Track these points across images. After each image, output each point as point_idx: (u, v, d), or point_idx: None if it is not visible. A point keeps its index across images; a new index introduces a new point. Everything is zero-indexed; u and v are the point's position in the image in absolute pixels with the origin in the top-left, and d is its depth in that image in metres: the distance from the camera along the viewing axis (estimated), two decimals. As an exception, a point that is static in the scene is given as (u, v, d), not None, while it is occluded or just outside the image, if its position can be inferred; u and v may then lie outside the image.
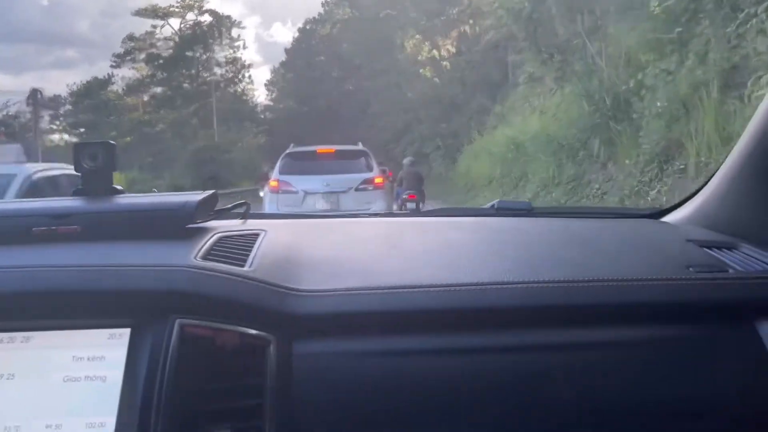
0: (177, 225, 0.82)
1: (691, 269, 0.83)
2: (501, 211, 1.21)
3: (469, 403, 0.71)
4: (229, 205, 1.01)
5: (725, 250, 0.91)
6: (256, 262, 0.78)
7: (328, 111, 34.22)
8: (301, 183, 7.26)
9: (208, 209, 0.89)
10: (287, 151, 7.86)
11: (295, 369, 0.70)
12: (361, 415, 0.69)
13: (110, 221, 0.81)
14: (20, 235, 0.78)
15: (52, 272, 0.70)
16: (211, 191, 0.88)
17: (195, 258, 0.75)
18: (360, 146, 8.19)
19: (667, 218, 1.16)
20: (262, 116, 42.97)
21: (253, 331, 0.70)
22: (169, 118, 36.56)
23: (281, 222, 1.04)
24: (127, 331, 0.70)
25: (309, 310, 0.73)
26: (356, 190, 7.25)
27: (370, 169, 7.57)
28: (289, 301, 0.73)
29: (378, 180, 7.47)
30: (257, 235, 0.88)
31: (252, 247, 0.82)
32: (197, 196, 0.85)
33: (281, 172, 7.40)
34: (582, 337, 0.75)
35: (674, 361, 0.75)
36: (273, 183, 7.39)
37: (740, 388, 0.74)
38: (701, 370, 0.75)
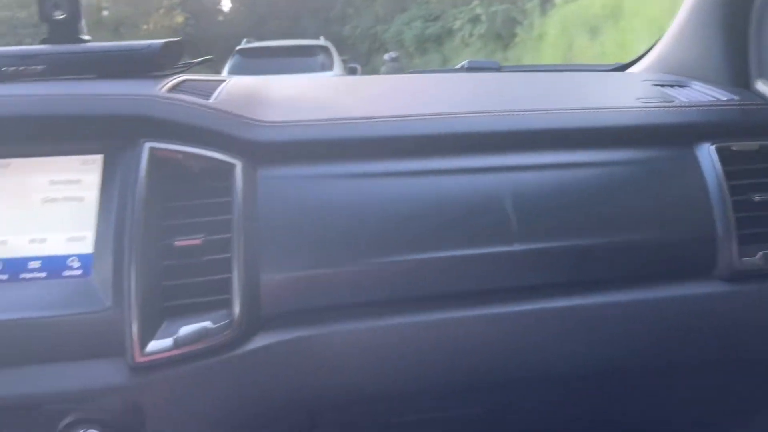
0: (142, 67, 0.85)
1: (641, 100, 0.88)
2: (471, 69, 1.24)
3: (429, 225, 0.76)
4: (196, 60, 1.03)
5: (677, 87, 0.96)
6: (220, 98, 0.81)
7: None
8: None
9: (174, 58, 0.91)
10: (239, 48, 7.20)
11: (260, 191, 0.75)
12: (322, 234, 0.75)
13: (76, 62, 0.83)
14: None
15: (23, 99, 0.74)
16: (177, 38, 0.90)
17: (161, 90, 0.78)
18: (321, 41, 7.68)
19: (631, 69, 1.20)
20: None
21: (219, 155, 0.74)
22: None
23: (245, 76, 1.06)
24: (99, 157, 0.74)
25: (272, 138, 0.77)
26: None
27: (329, 68, 6.87)
28: (253, 130, 0.77)
29: None
30: (222, 81, 0.91)
31: (217, 88, 0.85)
32: (162, 40, 0.86)
33: (230, 73, 6.99)
34: (542, 159, 0.80)
35: (624, 179, 0.81)
36: None
37: (675, 200, 0.80)
38: (647, 187, 0.80)
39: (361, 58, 12.68)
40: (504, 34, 9.68)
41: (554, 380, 0.85)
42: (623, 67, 1.23)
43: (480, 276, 0.76)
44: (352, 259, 0.74)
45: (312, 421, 0.81)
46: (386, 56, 8.47)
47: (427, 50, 12.96)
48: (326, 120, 0.81)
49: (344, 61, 7.59)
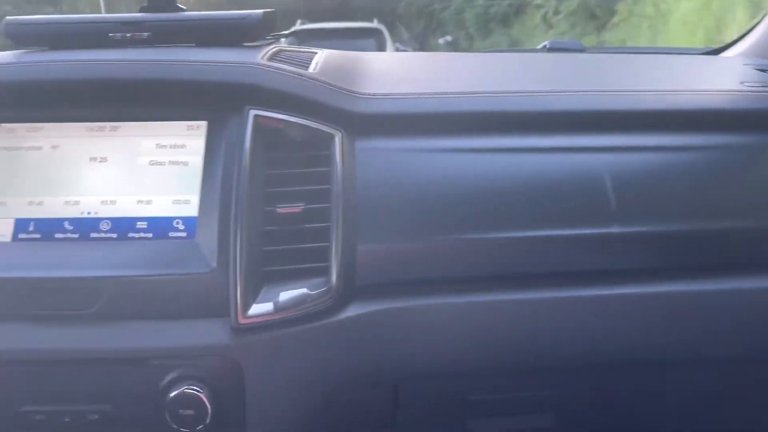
0: (240, 36, 0.86)
1: (744, 84, 0.85)
2: (553, 50, 1.22)
3: (526, 203, 0.75)
4: (285, 31, 1.04)
5: None
6: (318, 69, 0.82)
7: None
8: None
9: (269, 29, 0.92)
10: (294, 29, 7.15)
11: (358, 162, 0.75)
12: (418, 208, 0.75)
13: (179, 30, 0.85)
14: (99, 40, 0.83)
15: (132, 65, 0.76)
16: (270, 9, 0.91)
17: (263, 59, 0.79)
18: (375, 23, 7.65)
19: (724, 54, 1.16)
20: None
21: (320, 125, 0.75)
22: None
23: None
24: (204, 124, 0.76)
25: (372, 110, 0.78)
26: None
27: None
28: (353, 102, 0.78)
29: None
30: (314, 53, 0.91)
31: (312, 58, 0.86)
32: (261, 11, 0.88)
33: None
34: (641, 141, 0.78)
35: (724, 164, 0.78)
36: None
37: None
38: (747, 173, 0.78)
39: (416, 40, 12.34)
40: (599, 12, 7.79)
41: (639, 367, 0.84)
42: (715, 52, 1.19)
43: (576, 257, 0.75)
44: (446, 233, 0.74)
45: (395, 393, 0.82)
46: (441, 40, 8.39)
47: (491, 32, 11.24)
48: (425, 94, 0.80)
49: (396, 49, 7.53)
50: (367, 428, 0.86)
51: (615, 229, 0.75)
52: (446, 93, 0.81)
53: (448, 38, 8.52)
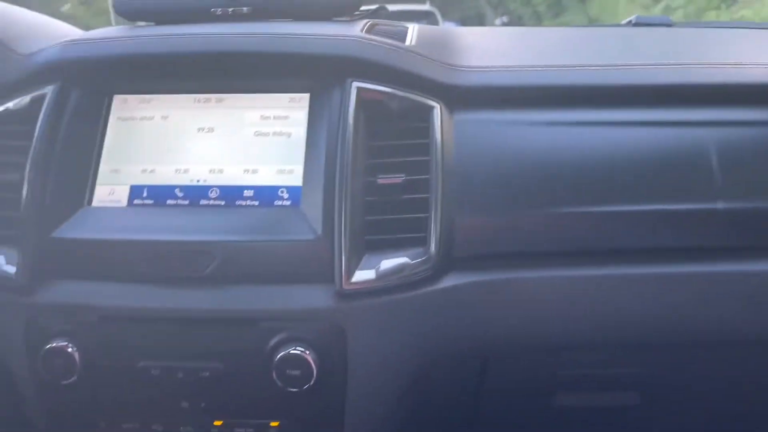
0: (335, 11, 0.88)
1: None
2: (639, 25, 1.19)
3: (627, 177, 0.75)
4: (372, 6, 1.05)
5: None
6: (414, 42, 0.83)
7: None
8: None
9: (359, 3, 0.93)
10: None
11: (457, 134, 0.76)
12: (516, 180, 0.75)
13: (277, 5, 0.87)
14: (201, 15, 0.86)
15: (238, 38, 0.78)
16: None
17: (361, 32, 0.80)
18: (427, 6, 7.57)
19: None
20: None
21: (420, 97, 0.76)
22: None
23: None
24: (306, 96, 0.78)
25: (470, 83, 0.78)
26: None
27: None
28: (451, 74, 0.79)
29: None
30: (407, 27, 0.92)
31: (406, 32, 0.87)
32: None
33: None
34: (747, 116, 0.77)
35: None
36: None
37: None
38: None
39: (472, 20, 12.08)
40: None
41: (734, 346, 0.83)
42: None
43: (676, 233, 0.75)
44: (544, 206, 0.74)
45: (483, 367, 0.84)
46: (498, 21, 8.14)
47: (565, 9, 10.12)
48: (522, 66, 0.80)
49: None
50: (453, 400, 0.88)
51: (718, 205, 0.74)
52: (543, 66, 0.81)
53: (504, 19, 8.24)
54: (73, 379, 0.73)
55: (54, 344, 0.72)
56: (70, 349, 0.72)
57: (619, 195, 0.74)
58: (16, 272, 0.73)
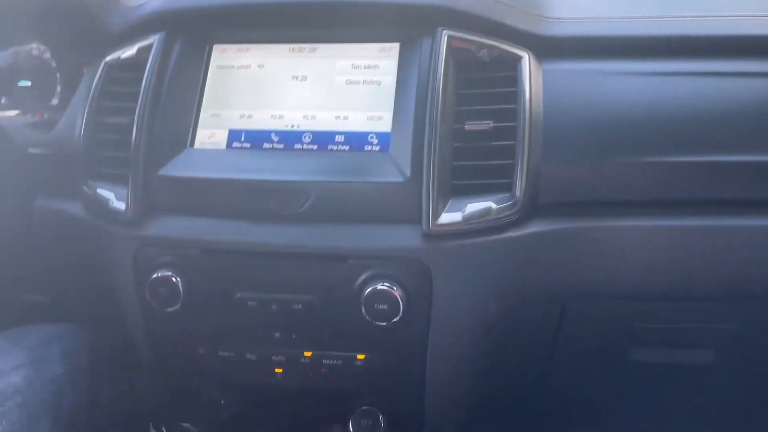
0: None
1: None
2: None
3: (712, 128, 0.75)
4: None
5: None
6: None
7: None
8: None
9: None
10: None
11: (544, 83, 0.77)
12: (601, 130, 0.76)
13: None
14: None
15: None
16: None
17: None
18: None
19: None
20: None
21: (508, 47, 0.77)
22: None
23: None
24: (396, 45, 0.81)
25: (558, 33, 0.79)
26: None
27: None
28: (539, 24, 0.79)
29: None
30: None
31: None
32: None
33: None
34: None
35: None
36: None
37: None
38: None
39: None
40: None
41: None
42: None
43: (763, 185, 0.74)
44: (629, 156, 0.75)
45: (562, 313, 0.86)
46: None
47: None
48: (610, 17, 0.81)
49: None
50: (531, 344, 0.90)
51: None
52: (631, 17, 0.81)
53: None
54: (176, 307, 0.79)
55: (160, 274, 0.78)
56: (174, 279, 0.78)
57: (703, 145, 0.74)
58: (126, 207, 0.79)
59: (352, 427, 0.84)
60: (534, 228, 0.76)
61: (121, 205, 0.80)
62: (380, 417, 0.83)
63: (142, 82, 0.81)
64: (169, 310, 0.79)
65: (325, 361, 0.81)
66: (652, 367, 0.97)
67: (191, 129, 0.82)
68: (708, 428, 1.17)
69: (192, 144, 0.81)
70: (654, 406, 1.09)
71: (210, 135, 0.82)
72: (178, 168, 0.79)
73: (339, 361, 0.81)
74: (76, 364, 0.87)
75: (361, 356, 0.80)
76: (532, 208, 0.75)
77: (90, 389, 0.88)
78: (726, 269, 0.77)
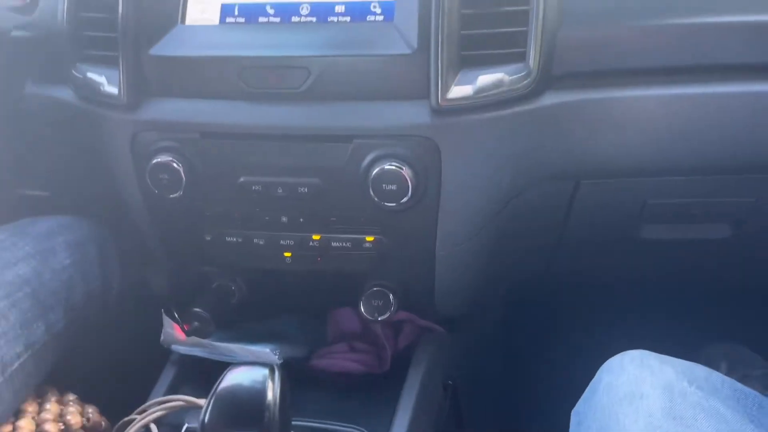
0: None
1: None
2: None
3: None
4: None
5: None
6: None
7: None
8: None
9: None
10: None
11: None
12: None
13: None
14: None
15: None
16: None
17: None
18: None
19: None
20: None
21: None
22: None
23: None
24: None
25: None
26: None
27: None
28: None
29: None
30: None
31: None
32: None
33: None
34: None
35: None
36: None
37: None
38: None
39: None
40: None
41: None
42: None
43: None
44: (646, 18, 0.70)
45: (575, 190, 0.83)
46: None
47: None
48: None
49: None
50: (543, 222, 0.88)
51: None
52: None
53: None
54: (179, 193, 0.77)
55: (159, 159, 0.76)
56: (175, 165, 0.75)
57: (717, 5, 0.69)
58: (119, 91, 0.75)
59: (363, 308, 0.84)
60: (548, 100, 0.72)
61: (113, 89, 0.76)
62: (390, 297, 0.83)
63: None
64: (172, 196, 0.77)
65: (334, 244, 0.80)
66: (664, 245, 0.96)
67: (181, 4, 0.76)
68: (721, 307, 1.18)
69: (183, 20, 0.76)
70: (662, 289, 1.10)
71: (201, 10, 0.76)
72: (169, 47, 0.75)
73: (348, 244, 0.80)
74: (83, 254, 0.87)
75: (370, 238, 0.79)
76: (546, 79, 0.71)
77: (100, 279, 0.88)
78: (738, 138, 0.74)
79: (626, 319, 1.16)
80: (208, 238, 0.82)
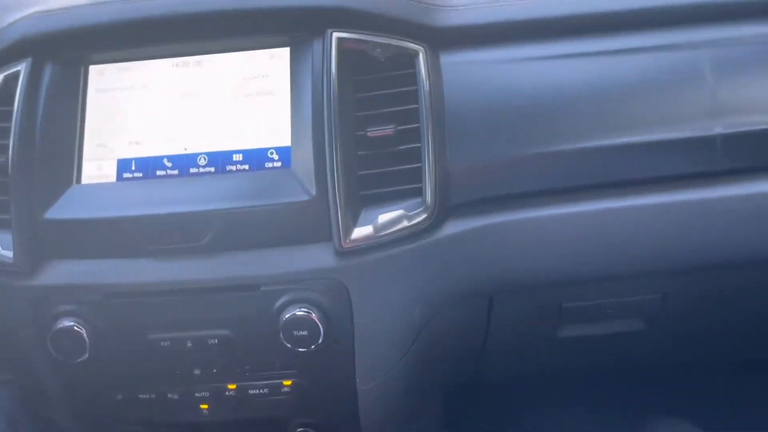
0: None
1: None
2: None
3: (620, 108, 0.73)
4: None
5: None
6: None
7: None
8: None
9: None
10: None
11: (444, 77, 0.74)
12: (507, 120, 0.73)
13: None
14: None
15: None
16: None
17: None
18: None
19: None
20: None
21: (403, 42, 0.73)
22: None
23: None
24: (286, 50, 0.75)
25: (454, 23, 0.75)
26: None
27: None
28: (433, 15, 0.75)
29: None
30: None
31: None
32: None
33: None
34: (741, 32, 0.74)
35: None
36: None
37: None
38: None
39: None
40: None
41: (737, 267, 0.83)
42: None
43: (674, 161, 0.73)
44: (538, 144, 0.73)
45: (490, 305, 0.84)
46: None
47: None
48: (505, 1, 0.77)
49: None
50: (463, 340, 0.89)
51: (716, 130, 0.72)
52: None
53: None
54: (84, 356, 0.74)
55: (61, 325, 0.73)
56: (77, 329, 0.73)
57: (613, 127, 0.73)
58: (15, 256, 0.73)
59: None
60: (449, 230, 0.73)
61: (8, 254, 0.73)
62: None
63: (12, 115, 0.73)
64: (78, 360, 0.74)
65: (251, 392, 0.78)
66: (586, 339, 0.97)
67: (76, 163, 0.75)
68: (648, 391, 1.20)
69: (78, 180, 0.75)
70: (590, 378, 1.11)
71: (98, 167, 0.75)
72: (65, 209, 0.73)
73: (266, 390, 0.78)
74: None
75: (287, 382, 0.78)
76: (445, 210, 0.73)
77: None
78: (642, 246, 0.77)
79: (568, 409, 1.17)
80: (120, 398, 0.79)
